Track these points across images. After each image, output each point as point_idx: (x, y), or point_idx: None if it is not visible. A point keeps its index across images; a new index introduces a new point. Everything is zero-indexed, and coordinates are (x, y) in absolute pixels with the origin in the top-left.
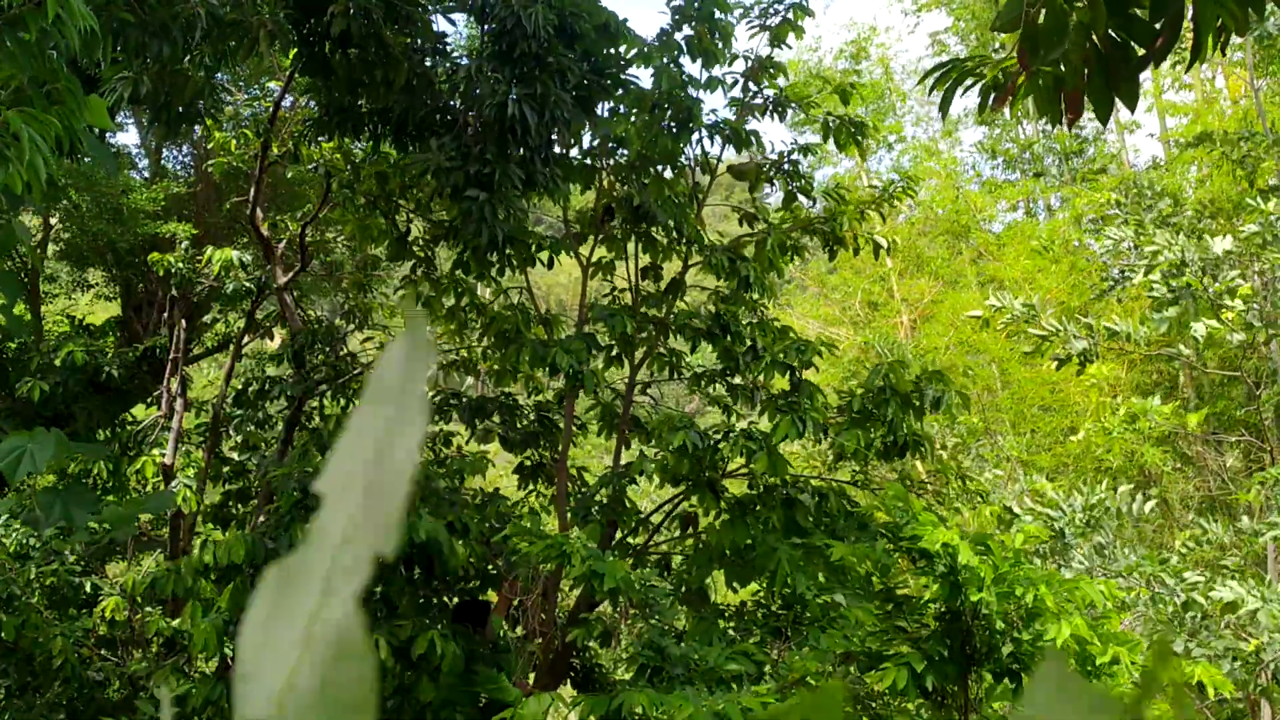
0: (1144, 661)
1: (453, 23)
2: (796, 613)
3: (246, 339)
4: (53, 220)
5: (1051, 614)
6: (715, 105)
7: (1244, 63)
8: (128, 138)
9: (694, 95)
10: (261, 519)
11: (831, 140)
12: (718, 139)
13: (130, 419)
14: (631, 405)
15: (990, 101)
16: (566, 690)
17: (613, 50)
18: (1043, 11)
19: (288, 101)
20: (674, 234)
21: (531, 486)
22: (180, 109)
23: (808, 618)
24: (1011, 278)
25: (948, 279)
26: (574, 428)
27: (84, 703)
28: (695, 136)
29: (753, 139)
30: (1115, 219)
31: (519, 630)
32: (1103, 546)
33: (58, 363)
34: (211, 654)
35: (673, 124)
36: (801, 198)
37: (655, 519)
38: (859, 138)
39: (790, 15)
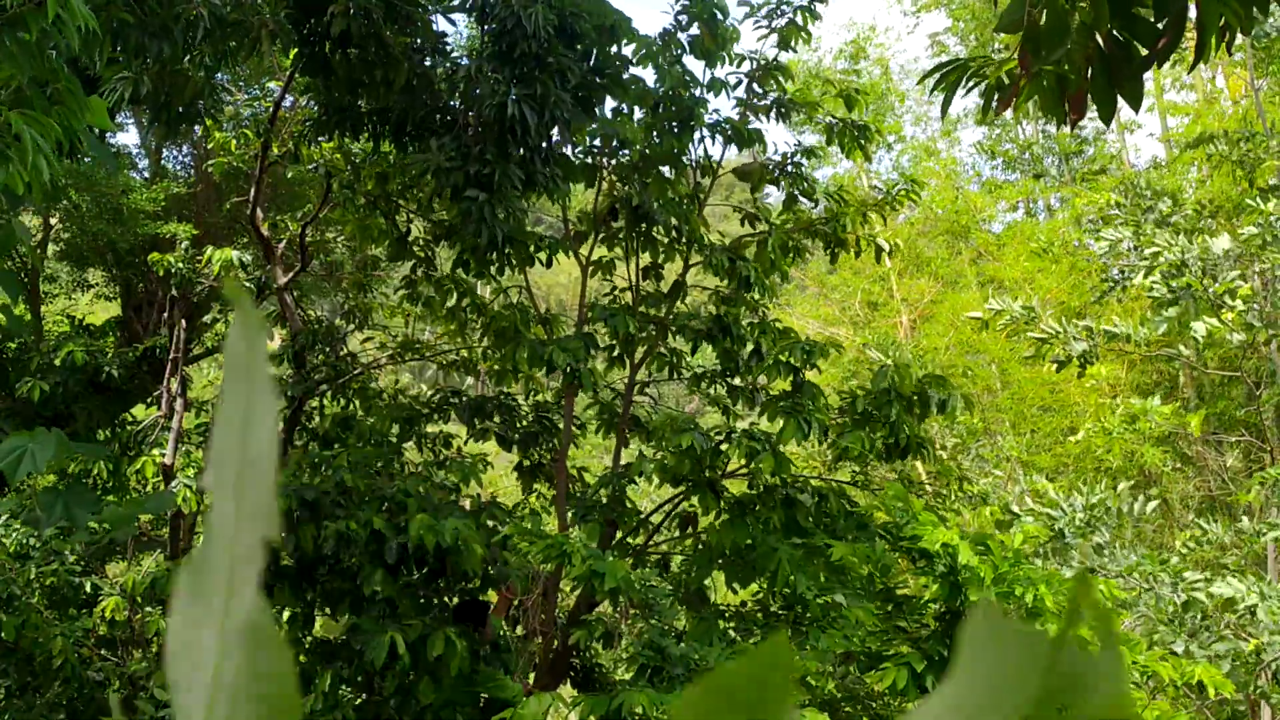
0: (1068, 594)
1: (453, 23)
2: (797, 613)
3: None
4: (53, 220)
5: (1051, 614)
6: (718, 105)
7: (1244, 63)
8: (128, 138)
9: (697, 95)
10: None
11: (835, 144)
12: (719, 138)
13: (130, 419)
14: (631, 405)
15: (995, 103)
16: (566, 690)
17: (614, 49)
18: (1044, 12)
19: (288, 101)
20: (675, 234)
21: (534, 488)
22: (180, 109)
23: (808, 618)
24: (1011, 278)
25: (947, 279)
26: (573, 427)
27: (84, 703)
28: (697, 136)
29: (755, 139)
30: (1115, 219)
31: (519, 630)
32: (1102, 546)
33: (58, 363)
34: None
35: (674, 123)
36: (803, 200)
37: (655, 519)
38: (862, 142)
39: (798, 19)
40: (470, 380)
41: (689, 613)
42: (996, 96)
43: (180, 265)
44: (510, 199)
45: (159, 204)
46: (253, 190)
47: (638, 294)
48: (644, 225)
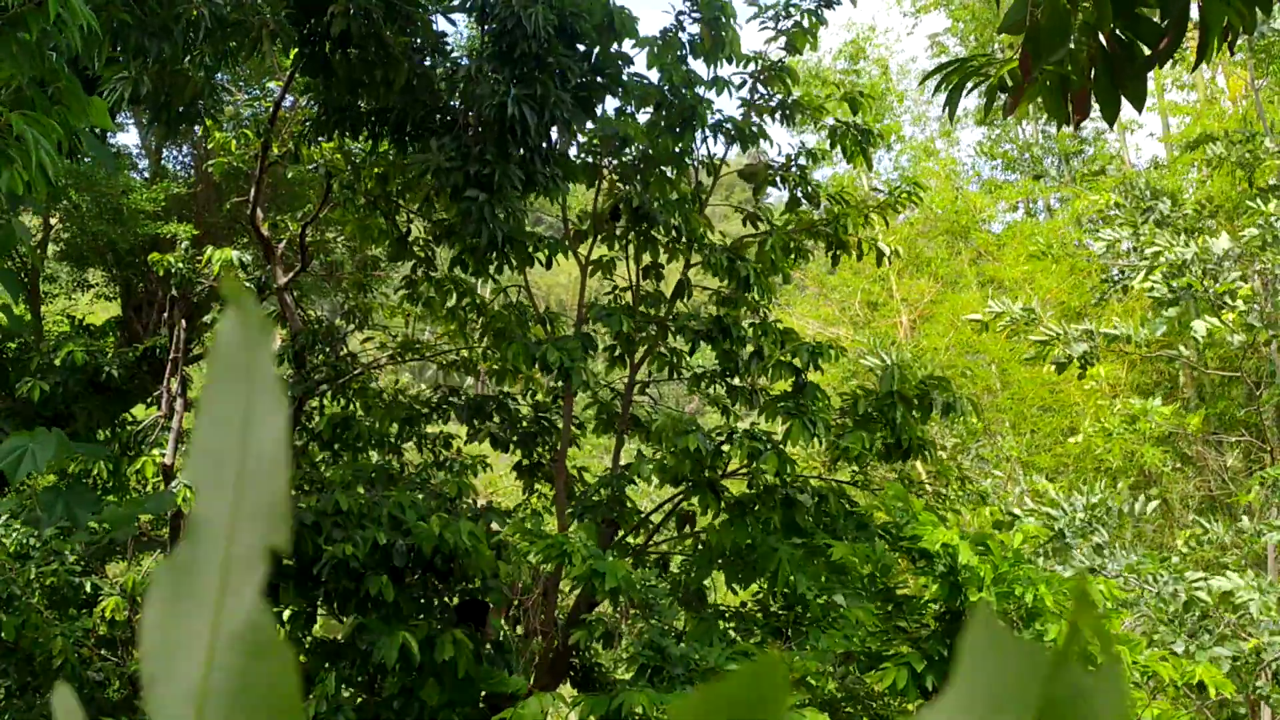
0: (1068, 608)
1: (453, 23)
2: (797, 613)
3: None
4: (53, 220)
5: (1051, 614)
6: (721, 104)
7: (1244, 63)
8: (128, 138)
9: (699, 94)
10: None
11: (838, 147)
12: (721, 138)
13: (130, 419)
14: (631, 405)
15: (1002, 104)
16: (566, 690)
17: (615, 47)
18: (1045, 13)
19: (288, 101)
20: (675, 234)
21: (535, 488)
22: (180, 109)
23: (808, 618)
24: (1011, 278)
25: (947, 279)
26: (573, 427)
27: (84, 703)
28: (700, 136)
29: (761, 136)
30: (1114, 220)
31: (519, 630)
32: (1102, 546)
33: (58, 363)
34: None
35: (676, 122)
36: (806, 202)
37: (655, 519)
38: (865, 146)
39: (805, 23)
40: (470, 380)
41: (689, 613)
42: (1000, 96)
43: (180, 265)
44: (510, 199)
45: (159, 204)
46: (253, 190)
47: (638, 294)
48: (644, 225)
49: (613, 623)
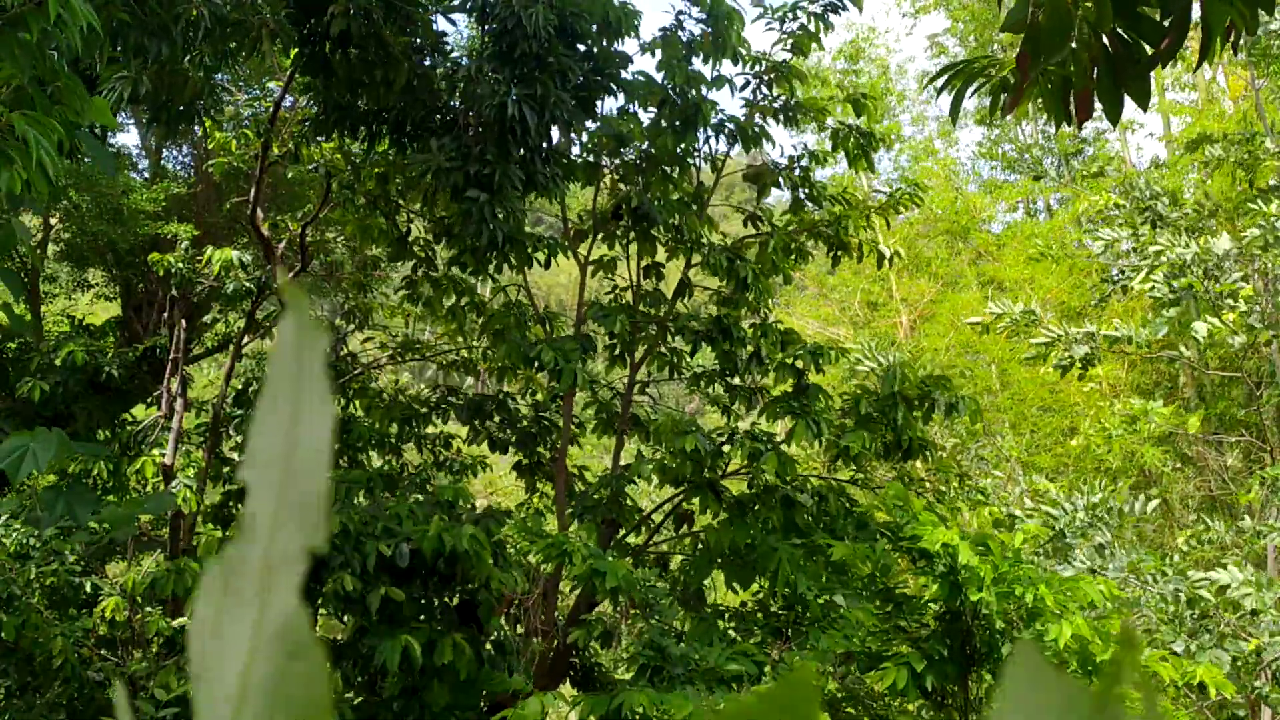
0: (1113, 651)
1: (453, 23)
2: (797, 613)
3: (246, 339)
4: (53, 220)
5: (1052, 614)
6: (725, 105)
7: (1244, 63)
8: (128, 138)
9: (703, 94)
10: None
11: (842, 151)
12: (724, 138)
13: (130, 419)
14: (631, 404)
15: (1002, 105)
16: (566, 690)
17: (616, 45)
18: (1045, 12)
19: (288, 101)
20: (675, 234)
21: (536, 488)
22: (180, 109)
23: (808, 618)
24: (1011, 278)
25: (947, 279)
26: (572, 427)
27: (84, 703)
28: (702, 136)
29: (764, 137)
30: (1114, 220)
31: (519, 630)
32: (1103, 546)
33: (58, 363)
34: None
35: (678, 122)
36: (809, 203)
37: (655, 518)
38: (867, 149)
39: (811, 26)
40: (470, 380)
41: (689, 612)
42: (1003, 96)
43: (180, 265)
44: (510, 199)
45: (159, 204)
46: (253, 190)
47: (638, 293)
48: (644, 225)
49: (612, 622)
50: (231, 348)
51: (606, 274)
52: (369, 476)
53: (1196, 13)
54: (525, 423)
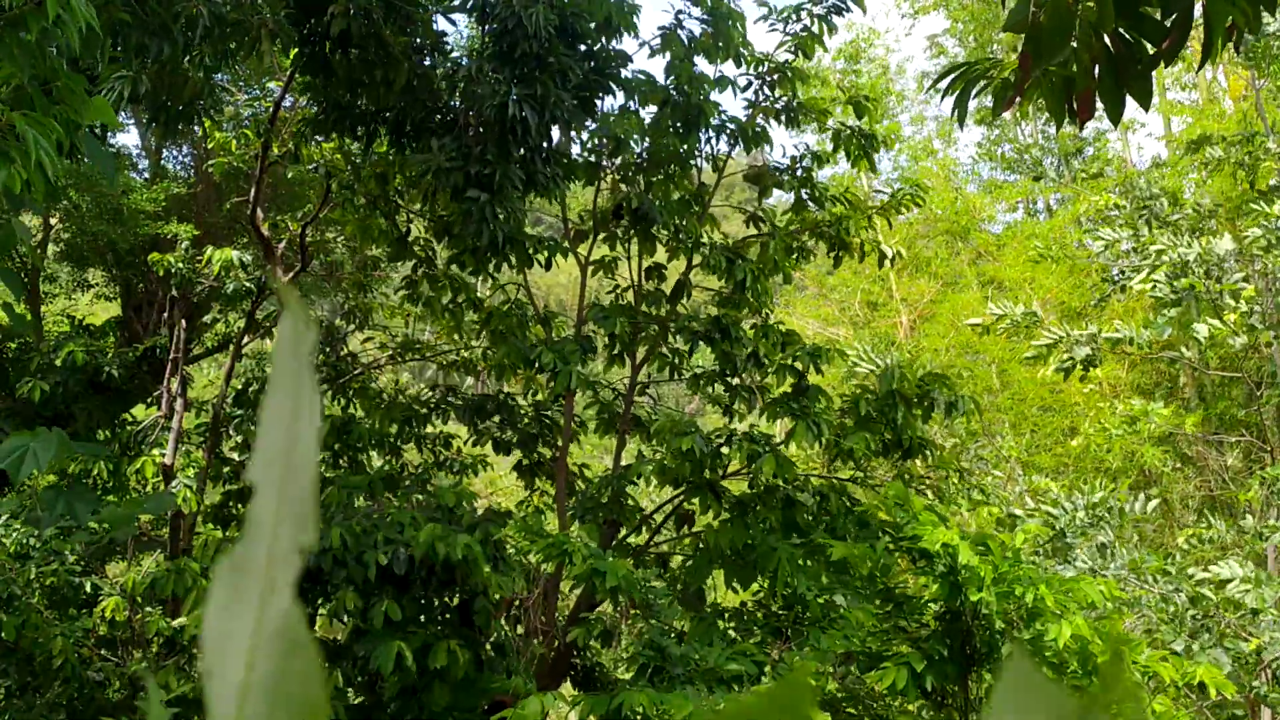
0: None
1: (453, 23)
2: (797, 613)
3: (246, 339)
4: (53, 220)
5: (1052, 614)
6: (725, 103)
7: (1245, 63)
8: (128, 138)
9: (705, 95)
10: None
11: (843, 152)
12: (725, 138)
13: (130, 419)
14: (632, 405)
15: (1000, 105)
16: (567, 689)
17: (616, 45)
18: (1046, 13)
19: (288, 101)
20: (677, 235)
21: (536, 485)
22: (179, 109)
23: (808, 618)
24: (1011, 279)
25: (947, 279)
26: (573, 426)
27: (84, 703)
28: (704, 136)
29: (764, 139)
30: (1114, 220)
31: (519, 630)
32: (1104, 546)
33: (58, 363)
34: None
35: (680, 122)
36: (811, 204)
37: (656, 518)
38: (869, 151)
39: (814, 28)
40: (470, 380)
41: (689, 613)
42: (1004, 97)
43: (180, 265)
44: (510, 199)
45: (159, 204)
46: (253, 190)
47: (639, 293)
48: (643, 225)
49: (612, 622)
50: (231, 348)
51: (607, 274)
52: (370, 480)
53: (1198, 12)
54: (526, 422)
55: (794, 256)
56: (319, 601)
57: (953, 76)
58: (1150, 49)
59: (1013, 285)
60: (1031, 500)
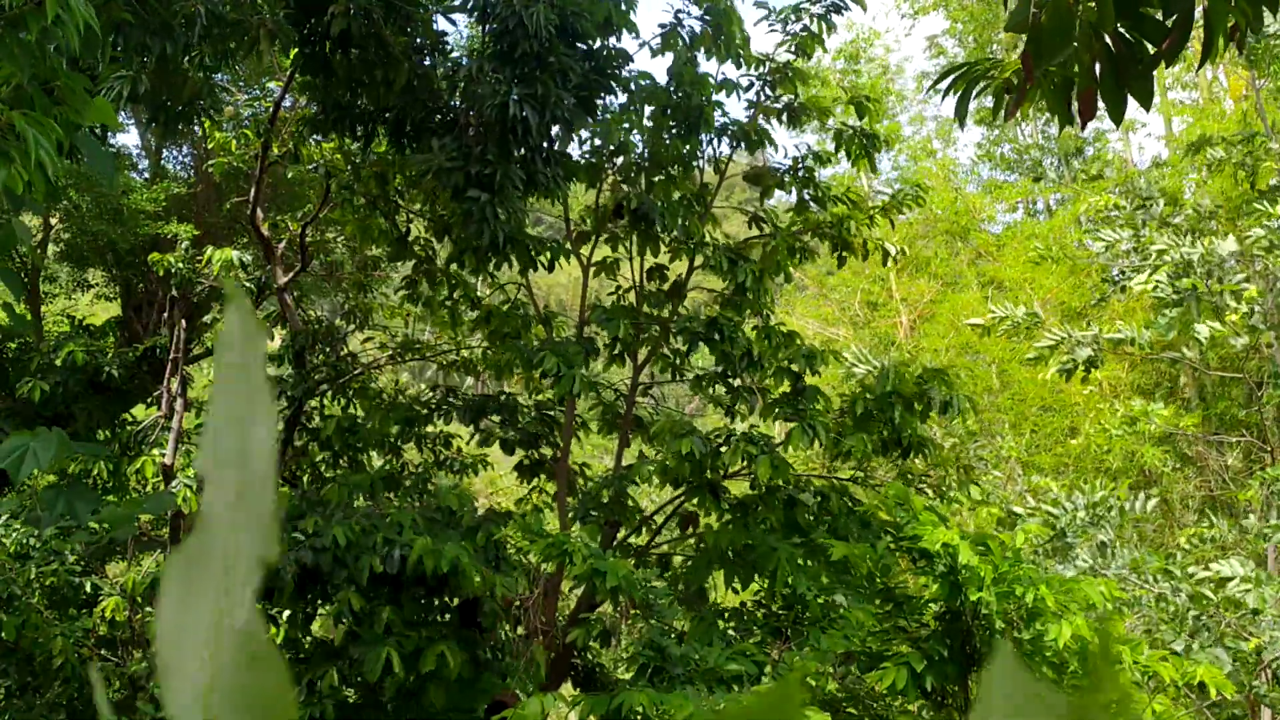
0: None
1: (453, 22)
2: (797, 613)
3: None
4: (53, 220)
5: (1052, 614)
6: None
7: (1245, 63)
8: (128, 138)
9: (705, 98)
10: None
11: (845, 151)
12: (727, 140)
13: (130, 419)
14: (634, 405)
15: (1005, 107)
16: (568, 690)
17: (616, 44)
18: (1047, 13)
19: (288, 101)
20: (678, 235)
21: (535, 482)
22: (179, 108)
23: (808, 618)
24: (1011, 279)
25: (947, 279)
26: (575, 426)
27: (84, 703)
28: (705, 138)
29: (765, 140)
30: (1114, 221)
31: (519, 631)
32: (1105, 545)
33: (58, 363)
34: None
35: (682, 124)
36: (813, 205)
37: (657, 519)
38: (870, 151)
39: (814, 27)
40: (470, 380)
41: (689, 613)
42: (1006, 97)
43: (180, 265)
44: (511, 199)
45: (159, 204)
46: (253, 190)
47: (641, 294)
48: (643, 225)
49: (612, 622)
50: None
51: (609, 275)
52: (370, 480)
53: (1199, 12)
54: (528, 421)
55: (796, 257)
56: (318, 602)
57: (953, 77)
58: (1151, 49)
59: (1013, 285)
60: (1032, 499)
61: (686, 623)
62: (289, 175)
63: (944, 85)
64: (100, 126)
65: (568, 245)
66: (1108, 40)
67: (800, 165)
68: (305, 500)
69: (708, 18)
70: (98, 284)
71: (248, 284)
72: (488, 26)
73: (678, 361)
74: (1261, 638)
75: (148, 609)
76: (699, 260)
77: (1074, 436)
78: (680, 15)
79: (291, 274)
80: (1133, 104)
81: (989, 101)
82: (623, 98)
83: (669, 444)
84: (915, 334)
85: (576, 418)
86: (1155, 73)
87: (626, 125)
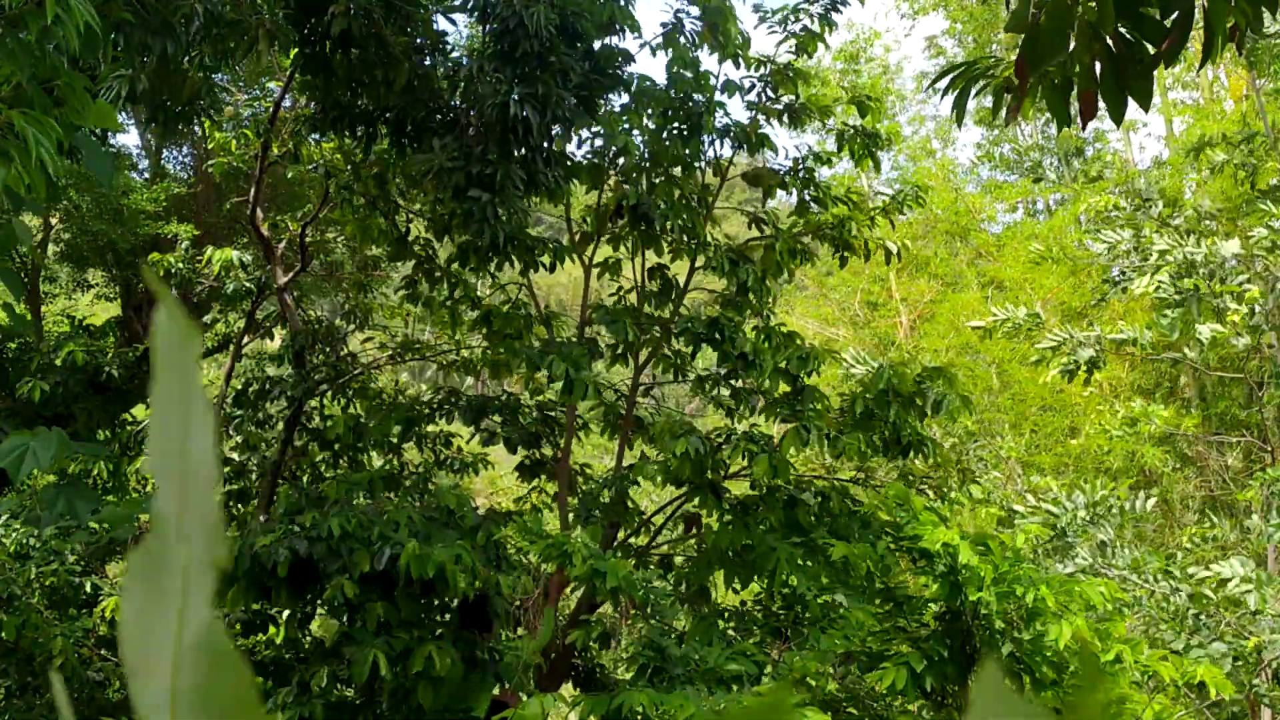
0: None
1: (453, 22)
2: (797, 613)
3: (246, 339)
4: (53, 220)
5: (1052, 614)
6: (727, 105)
7: (1245, 63)
8: (128, 138)
9: (707, 98)
10: (263, 519)
11: (848, 151)
12: (728, 141)
13: (130, 419)
14: (635, 406)
15: (1005, 109)
16: (568, 690)
17: (617, 44)
18: (1044, 14)
19: (288, 101)
20: (680, 235)
21: (536, 482)
22: (178, 108)
23: (808, 618)
24: (1011, 279)
25: (947, 279)
26: (576, 427)
27: (84, 703)
28: (707, 139)
29: (764, 143)
30: (1115, 222)
31: (519, 631)
32: (1105, 545)
33: (58, 363)
34: None
35: (683, 125)
36: (814, 205)
37: (657, 520)
38: (872, 150)
39: (814, 26)
40: (470, 380)
41: (689, 613)
42: (1006, 97)
43: (180, 265)
44: (512, 199)
45: (159, 204)
46: (253, 190)
47: (643, 295)
48: (644, 225)
49: (612, 623)
50: (231, 348)
51: (612, 276)
52: (370, 478)
53: (1199, 13)
54: (529, 421)
55: (797, 259)
56: (317, 602)
57: (952, 76)
58: (1151, 49)
59: (1013, 285)
60: (1033, 498)
61: (686, 623)
62: (289, 175)
63: (942, 84)
64: (100, 127)
65: (569, 247)
66: (1108, 40)
67: (800, 166)
68: (305, 497)
69: (702, 15)
70: (98, 284)
71: (248, 284)
72: (488, 26)
73: (679, 362)
74: (1261, 636)
75: None
76: (700, 261)
77: (1074, 437)
78: (680, 15)
79: (291, 274)
80: (1132, 104)
81: (989, 101)
82: (624, 98)
83: (667, 444)
84: (915, 334)
85: (577, 418)
86: (1155, 73)
87: (627, 126)
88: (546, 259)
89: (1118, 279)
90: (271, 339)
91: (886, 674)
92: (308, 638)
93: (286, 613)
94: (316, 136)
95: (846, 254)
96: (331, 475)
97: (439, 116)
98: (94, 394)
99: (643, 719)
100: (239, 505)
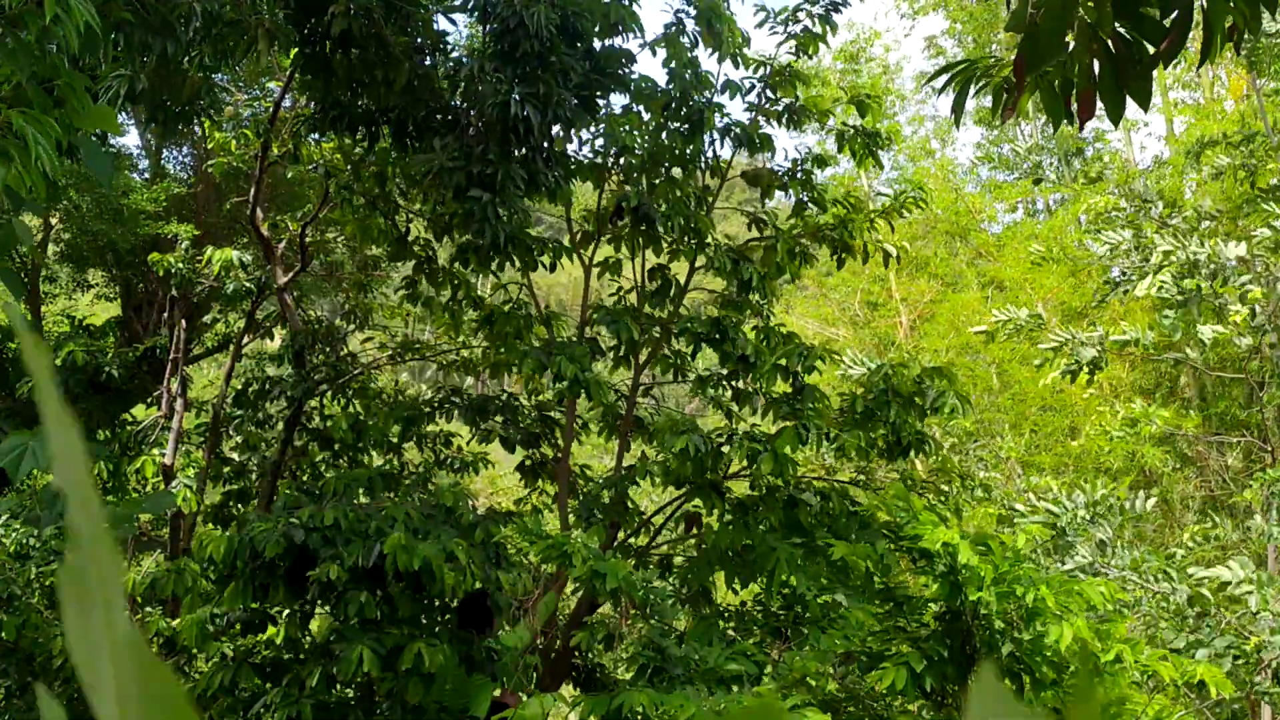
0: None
1: (453, 22)
2: (797, 613)
3: (246, 339)
4: (53, 220)
5: (1052, 614)
6: (728, 106)
7: (1244, 63)
8: (128, 138)
9: (708, 98)
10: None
11: (848, 151)
12: (729, 141)
13: (130, 419)
14: (635, 406)
15: (1002, 108)
16: (569, 690)
17: (618, 44)
18: (1043, 13)
19: (288, 101)
20: (681, 235)
21: (536, 484)
22: (178, 109)
23: (808, 618)
24: (1011, 279)
25: (947, 279)
26: (576, 427)
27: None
28: (707, 139)
29: (765, 144)
30: (1115, 222)
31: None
32: (1105, 544)
33: (58, 363)
34: (210, 652)
35: (684, 125)
36: (813, 206)
37: (658, 520)
38: (873, 150)
39: (814, 27)
40: (470, 380)
41: (689, 613)
42: (1004, 96)
43: (180, 265)
44: (513, 199)
45: (159, 204)
46: (253, 190)
47: (643, 295)
48: (644, 226)
49: (613, 624)
50: (231, 348)
51: (612, 276)
52: (369, 475)
53: (1198, 13)
54: (529, 421)
55: (796, 261)
56: (317, 601)
57: (950, 75)
58: (1150, 49)
59: (1013, 286)
60: (1034, 497)
61: (686, 623)
62: (289, 175)
63: (939, 83)
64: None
65: (570, 247)
66: (1107, 40)
67: (799, 168)
68: (304, 493)
69: (698, 17)
70: (98, 284)
71: (248, 284)
72: (488, 26)
73: (679, 363)
74: (1261, 635)
75: (147, 609)
76: (700, 261)
77: (1074, 437)
78: (680, 15)
79: (291, 274)
80: (1131, 104)
81: (988, 101)
82: (625, 98)
83: (668, 442)
84: (915, 334)
85: (577, 418)
86: (1155, 73)
87: (627, 127)
88: (547, 259)
89: (1118, 279)
90: (271, 339)
91: (886, 674)
92: (307, 638)
93: (286, 611)
94: (316, 136)
95: (844, 255)
96: (331, 475)
97: (439, 116)
98: (94, 394)
99: (643, 719)
100: (239, 505)
